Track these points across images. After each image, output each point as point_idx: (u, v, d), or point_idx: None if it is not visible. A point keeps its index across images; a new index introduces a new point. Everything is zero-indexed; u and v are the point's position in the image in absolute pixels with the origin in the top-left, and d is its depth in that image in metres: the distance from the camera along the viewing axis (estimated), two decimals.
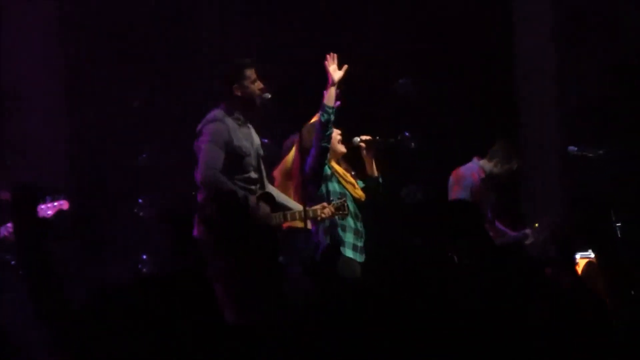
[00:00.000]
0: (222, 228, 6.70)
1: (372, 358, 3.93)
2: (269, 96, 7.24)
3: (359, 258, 7.35)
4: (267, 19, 10.35)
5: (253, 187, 7.13)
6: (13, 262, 8.35)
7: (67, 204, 8.24)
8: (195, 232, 6.93)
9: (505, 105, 10.37)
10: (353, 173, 7.53)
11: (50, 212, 8.14)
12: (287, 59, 9.58)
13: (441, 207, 6.41)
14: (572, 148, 9.07)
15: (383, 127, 8.24)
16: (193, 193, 7.24)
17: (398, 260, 4.82)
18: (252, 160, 7.14)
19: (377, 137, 7.48)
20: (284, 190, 7.80)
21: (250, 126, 7.26)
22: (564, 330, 4.45)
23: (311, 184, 7.28)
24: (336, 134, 7.43)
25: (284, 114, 8.48)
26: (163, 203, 9.58)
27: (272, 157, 8.37)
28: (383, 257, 7.76)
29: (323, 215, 7.20)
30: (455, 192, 8.75)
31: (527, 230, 8.94)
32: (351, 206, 7.34)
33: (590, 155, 9.06)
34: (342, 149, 7.47)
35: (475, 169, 8.87)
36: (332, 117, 7.16)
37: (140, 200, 9.74)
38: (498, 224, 8.96)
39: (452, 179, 8.88)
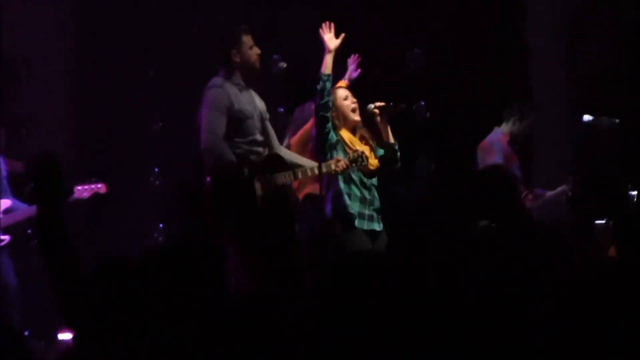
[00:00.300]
0: (220, 199, 6.73)
1: (379, 330, 3.93)
2: (285, 65, 7.26)
3: (367, 226, 7.29)
4: None
5: (259, 149, 7.15)
6: (29, 231, 8.39)
7: (104, 188, 8.28)
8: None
9: (516, 76, 10.34)
10: (371, 143, 7.50)
11: (86, 195, 8.20)
12: (301, 29, 9.56)
13: (473, 174, 6.37)
14: (586, 116, 9.11)
15: (396, 98, 8.22)
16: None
17: (411, 231, 4.84)
18: (256, 123, 7.15)
19: (391, 103, 7.46)
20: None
21: (252, 91, 7.26)
22: (575, 296, 4.45)
23: (318, 152, 7.25)
24: (350, 103, 7.41)
25: (298, 83, 8.51)
26: (178, 172, 9.59)
27: (286, 125, 8.41)
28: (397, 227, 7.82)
29: (338, 169, 7.12)
30: (490, 158, 8.85)
31: (563, 187, 9.04)
32: (355, 175, 7.29)
33: (605, 123, 9.09)
34: (355, 117, 7.41)
35: (499, 135, 9.02)
36: (328, 85, 7.12)
37: (156, 170, 9.76)
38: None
39: (480, 149, 8.99)
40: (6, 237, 8.08)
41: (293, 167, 7.16)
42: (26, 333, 8.04)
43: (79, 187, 8.17)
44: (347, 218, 7.24)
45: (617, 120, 9.05)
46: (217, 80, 7.12)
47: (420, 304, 3.95)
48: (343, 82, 7.59)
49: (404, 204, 8.95)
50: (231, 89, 7.08)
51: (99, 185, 8.24)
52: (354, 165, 7.15)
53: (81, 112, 10.25)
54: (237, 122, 7.01)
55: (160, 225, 9.08)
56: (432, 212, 9.29)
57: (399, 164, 7.51)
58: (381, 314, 3.82)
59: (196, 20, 10.11)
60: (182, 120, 9.13)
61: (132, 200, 9.76)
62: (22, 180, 8.36)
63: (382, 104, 7.44)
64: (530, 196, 8.97)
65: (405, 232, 4.89)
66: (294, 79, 9.17)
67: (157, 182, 9.71)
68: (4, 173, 8.23)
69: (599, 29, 10.20)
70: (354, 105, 7.42)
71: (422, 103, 8.96)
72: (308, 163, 7.28)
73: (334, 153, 7.25)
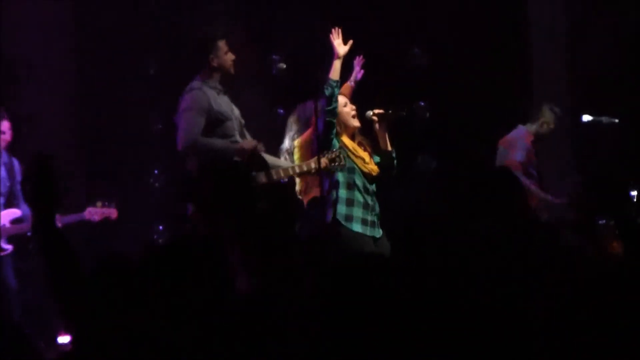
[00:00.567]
0: (212, 186, 6.72)
1: (381, 329, 3.92)
2: (284, 66, 7.25)
3: (370, 232, 7.29)
4: None
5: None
6: (29, 234, 8.39)
7: (115, 213, 8.51)
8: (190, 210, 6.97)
9: (518, 74, 10.34)
10: (368, 149, 7.49)
11: (96, 218, 8.42)
12: (301, 29, 9.56)
13: (483, 174, 6.33)
14: (586, 116, 9.12)
15: (396, 98, 8.21)
16: None
17: (413, 233, 4.83)
18: (235, 125, 7.18)
19: (390, 111, 7.44)
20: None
21: (227, 96, 7.29)
22: (577, 294, 4.44)
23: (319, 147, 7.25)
24: (350, 109, 7.39)
25: (297, 85, 8.49)
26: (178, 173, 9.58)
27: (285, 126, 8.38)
28: (397, 231, 7.81)
29: (313, 171, 7.18)
30: (513, 154, 8.90)
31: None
32: (359, 180, 7.29)
33: (605, 122, 9.10)
34: (355, 123, 7.39)
35: (523, 132, 9.05)
36: (337, 91, 7.11)
37: (155, 171, 9.75)
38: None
39: (504, 145, 9.02)
40: (9, 247, 8.11)
41: (273, 167, 7.17)
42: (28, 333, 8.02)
43: (91, 210, 8.39)
44: (348, 223, 7.24)
45: (617, 120, 9.05)
46: (195, 83, 7.20)
47: (420, 305, 3.94)
48: (348, 84, 7.61)
49: (403, 204, 8.94)
50: (209, 92, 7.12)
51: (111, 211, 8.46)
52: (333, 164, 7.16)
53: (81, 112, 10.25)
54: (216, 122, 7.06)
55: (160, 227, 9.06)
56: (431, 211, 9.29)
57: (395, 171, 7.49)
58: (381, 314, 3.80)
59: (196, 20, 10.09)
60: None
61: (131, 201, 9.75)
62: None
63: (380, 111, 7.43)
64: (540, 194, 8.94)
65: (405, 233, 4.88)
66: (294, 80, 9.15)
67: (157, 184, 9.69)
68: (18, 178, 8.23)
69: (600, 29, 10.19)
70: (353, 112, 7.41)
71: (422, 103, 8.93)
72: (285, 164, 7.29)
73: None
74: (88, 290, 4.10)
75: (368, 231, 7.28)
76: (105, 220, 8.41)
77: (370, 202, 7.32)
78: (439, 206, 9.56)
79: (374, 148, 7.50)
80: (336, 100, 7.13)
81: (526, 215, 8.10)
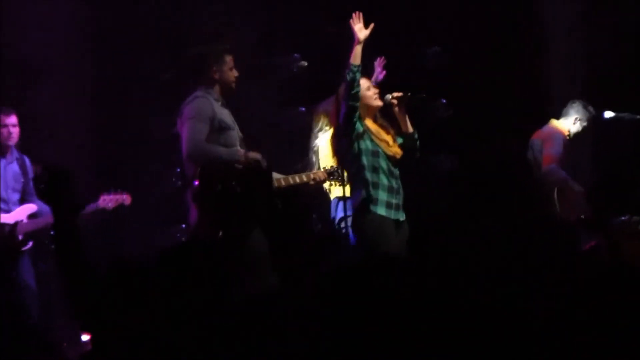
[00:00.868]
0: (219, 194, 6.76)
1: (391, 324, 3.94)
2: (305, 64, 7.26)
3: (394, 215, 7.31)
4: None
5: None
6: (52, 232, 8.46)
7: (129, 199, 8.55)
8: (192, 217, 7.01)
9: (534, 72, 10.33)
10: (392, 132, 7.52)
11: (111, 205, 8.41)
12: (319, 26, 9.57)
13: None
14: (608, 113, 9.10)
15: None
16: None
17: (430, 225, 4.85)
18: (237, 136, 7.18)
19: (409, 93, 7.46)
20: (329, 160, 7.85)
21: (228, 110, 7.27)
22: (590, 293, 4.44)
23: (342, 139, 7.33)
24: (372, 93, 7.43)
25: (318, 82, 8.51)
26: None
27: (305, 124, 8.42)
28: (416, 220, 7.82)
29: (312, 182, 7.39)
30: (552, 147, 8.86)
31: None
32: (384, 163, 7.32)
33: (627, 119, 9.08)
34: (377, 103, 7.44)
35: (557, 127, 9.01)
36: (358, 76, 7.13)
37: (177, 170, 9.78)
38: None
39: (539, 139, 9.02)
40: (29, 243, 8.17)
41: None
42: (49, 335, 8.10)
43: (105, 197, 8.38)
44: (372, 206, 7.25)
45: (638, 116, 9.03)
46: (199, 92, 7.16)
47: (424, 304, 3.97)
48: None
49: (421, 201, 8.96)
50: (213, 101, 7.11)
51: (124, 197, 8.49)
52: (331, 177, 7.36)
53: (100, 113, 10.27)
54: (220, 131, 7.04)
55: (183, 225, 9.08)
56: (446, 211, 9.31)
57: (419, 154, 7.51)
58: (385, 314, 3.83)
59: (218, 22, 10.13)
60: None
61: (153, 200, 9.81)
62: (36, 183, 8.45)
63: (400, 94, 7.44)
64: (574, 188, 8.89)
65: (423, 229, 4.92)
66: (314, 78, 9.17)
67: (179, 182, 9.73)
68: (30, 174, 8.31)
69: (615, 25, 10.17)
70: (376, 95, 7.44)
71: (444, 100, 8.90)
72: (280, 177, 7.35)
73: (362, 143, 7.29)
74: (103, 294, 4.16)
75: (392, 214, 7.29)
76: (120, 207, 8.42)
77: (395, 185, 7.35)
78: (454, 205, 9.59)
79: (397, 130, 7.53)
80: (358, 85, 7.15)
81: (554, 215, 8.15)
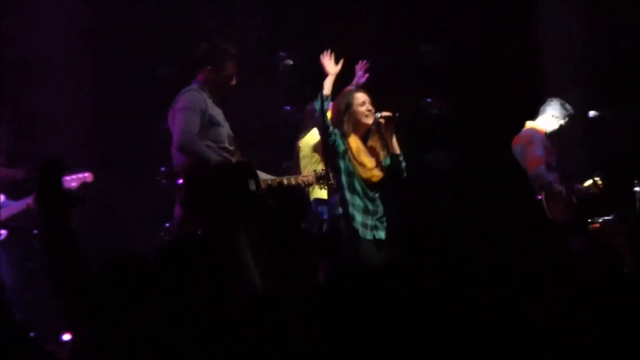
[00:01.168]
0: (205, 195, 6.70)
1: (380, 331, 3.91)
2: (291, 62, 7.20)
3: (369, 235, 7.30)
4: None
5: (229, 157, 7.06)
6: (35, 232, 8.42)
7: (90, 176, 8.47)
8: (178, 213, 6.95)
9: (528, 69, 10.31)
10: (380, 153, 7.49)
11: (74, 184, 8.37)
12: (307, 28, 9.54)
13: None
14: (592, 112, 9.08)
15: (406, 94, 8.19)
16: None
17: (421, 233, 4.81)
18: (226, 133, 7.09)
19: (396, 113, 7.43)
20: (309, 162, 7.82)
21: (220, 109, 7.20)
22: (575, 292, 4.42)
23: (326, 162, 7.42)
24: (365, 109, 7.42)
25: (306, 82, 8.47)
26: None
27: (295, 124, 8.37)
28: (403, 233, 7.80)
29: (301, 183, 7.39)
30: (532, 150, 8.84)
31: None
32: (358, 185, 7.31)
33: (613, 118, 9.06)
34: (367, 120, 7.43)
35: (534, 128, 8.96)
36: (326, 104, 7.19)
37: (162, 168, 9.74)
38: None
39: (519, 144, 8.96)
40: (3, 232, 8.13)
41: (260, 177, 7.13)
42: (32, 334, 8.03)
43: (67, 178, 8.29)
44: (351, 226, 7.26)
45: (622, 109, 8.99)
46: (191, 86, 7.09)
47: (422, 305, 3.93)
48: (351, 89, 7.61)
49: (413, 202, 8.93)
50: (205, 96, 7.03)
51: (86, 175, 8.43)
52: (321, 181, 7.38)
53: (100, 113, 10.26)
54: (209, 125, 6.97)
55: (167, 224, 9.03)
56: (441, 210, 9.27)
57: (404, 174, 7.48)
58: (384, 317, 3.80)
59: (208, 21, 10.10)
60: None
61: (141, 198, 9.77)
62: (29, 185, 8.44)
63: (388, 113, 7.44)
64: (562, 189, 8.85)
65: (412, 232, 4.86)
66: (301, 77, 9.15)
67: (164, 181, 9.69)
68: None
69: (615, 25, 10.16)
70: (369, 113, 7.42)
71: (429, 100, 8.90)
72: (269, 177, 7.31)
73: (341, 162, 7.30)
74: (92, 289, 4.12)
75: (368, 235, 7.30)
76: (84, 185, 8.35)
77: (370, 207, 7.36)
78: (450, 205, 9.56)
79: (385, 151, 7.51)
80: (324, 114, 7.19)
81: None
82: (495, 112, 9.89)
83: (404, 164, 7.47)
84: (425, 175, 9.76)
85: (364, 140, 7.47)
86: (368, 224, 7.29)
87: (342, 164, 7.29)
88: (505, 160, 9.18)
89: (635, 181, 8.67)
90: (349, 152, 7.32)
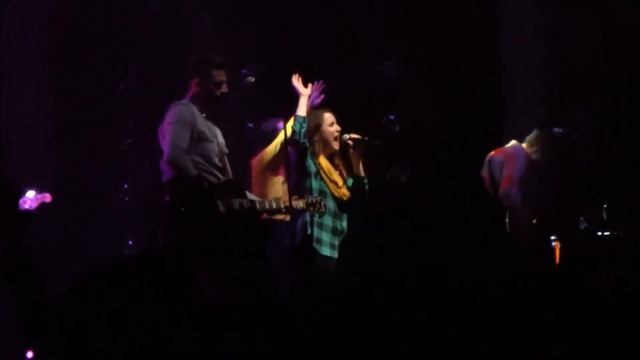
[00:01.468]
0: (182, 211, 6.68)
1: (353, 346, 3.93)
2: (253, 79, 7.19)
3: (331, 254, 7.35)
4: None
5: (218, 174, 7.00)
6: None
7: (49, 197, 8.43)
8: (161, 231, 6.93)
9: (488, 83, 10.36)
10: (344, 173, 7.54)
11: (33, 205, 8.30)
12: (269, 45, 9.56)
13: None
14: (556, 130, 9.11)
15: (370, 109, 8.21)
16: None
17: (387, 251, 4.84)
18: (216, 149, 7.06)
19: (365, 137, 7.48)
20: (262, 180, 7.78)
21: (211, 122, 7.15)
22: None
23: (295, 177, 7.33)
24: (334, 130, 7.50)
25: (267, 99, 8.49)
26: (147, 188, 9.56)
27: (257, 141, 8.36)
28: (368, 251, 7.82)
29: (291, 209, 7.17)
30: (513, 167, 8.80)
31: None
32: (331, 204, 7.36)
33: (574, 136, 9.10)
34: (335, 145, 7.51)
35: (520, 148, 8.96)
36: (304, 126, 7.23)
37: (125, 186, 9.71)
38: None
39: (500, 157, 8.94)
40: None
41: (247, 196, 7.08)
42: None
43: (26, 199, 8.23)
44: (317, 246, 7.29)
45: (563, 131, 9.04)
46: (181, 101, 7.04)
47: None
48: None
49: (374, 215, 8.96)
50: (195, 110, 7.00)
51: (45, 195, 8.37)
52: (311, 209, 7.15)
53: (60, 125, 10.20)
54: (197, 141, 6.92)
55: (129, 242, 9.02)
56: (401, 223, 9.31)
57: (367, 197, 7.53)
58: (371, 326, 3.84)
59: (173, 35, 10.09)
60: (150, 136, 9.11)
61: (104, 215, 9.74)
62: None
63: (357, 136, 7.53)
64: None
65: (373, 243, 4.91)
66: (262, 94, 9.16)
67: (126, 198, 9.66)
68: None
69: (573, 41, 10.23)
70: (337, 134, 7.50)
71: (391, 117, 8.92)
72: (254, 197, 7.21)
73: (312, 182, 7.34)
74: (50, 305, 4.12)
75: (329, 253, 7.34)
76: (42, 206, 8.32)
77: (339, 227, 7.43)
78: (411, 217, 9.60)
79: (347, 171, 7.56)
80: (304, 136, 7.24)
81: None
82: (453, 125, 9.94)
83: (367, 187, 7.54)
84: (385, 191, 9.79)
85: (330, 159, 7.51)
86: (335, 244, 7.37)
87: (314, 184, 7.33)
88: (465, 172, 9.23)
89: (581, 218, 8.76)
90: (321, 172, 7.37)
